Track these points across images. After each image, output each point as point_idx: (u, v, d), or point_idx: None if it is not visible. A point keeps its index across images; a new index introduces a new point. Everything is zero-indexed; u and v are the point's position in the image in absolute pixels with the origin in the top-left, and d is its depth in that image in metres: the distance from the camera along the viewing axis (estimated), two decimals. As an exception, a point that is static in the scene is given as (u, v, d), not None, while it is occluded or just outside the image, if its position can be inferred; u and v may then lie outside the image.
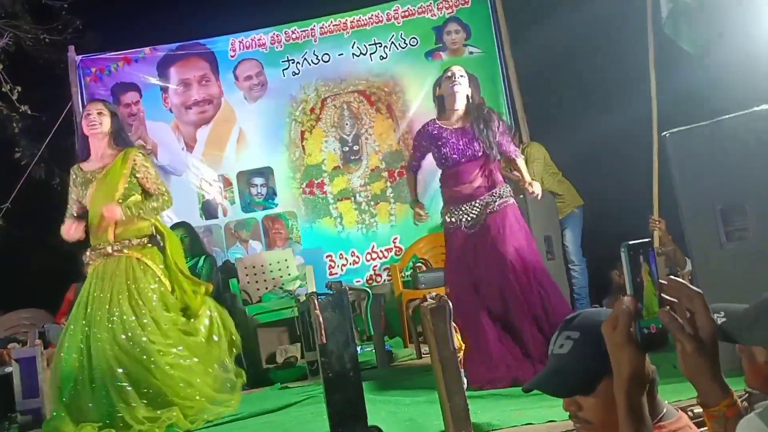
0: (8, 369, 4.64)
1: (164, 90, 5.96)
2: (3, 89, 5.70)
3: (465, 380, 2.48)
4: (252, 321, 4.69)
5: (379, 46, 5.97)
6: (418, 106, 5.86)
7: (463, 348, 3.04)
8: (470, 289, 3.29)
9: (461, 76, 3.46)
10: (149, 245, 3.30)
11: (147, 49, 5.95)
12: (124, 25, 6.77)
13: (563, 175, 5.19)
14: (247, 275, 5.24)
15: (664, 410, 1.22)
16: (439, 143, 3.43)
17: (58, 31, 6.93)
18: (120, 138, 3.38)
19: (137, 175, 3.32)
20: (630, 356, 0.99)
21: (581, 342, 1.26)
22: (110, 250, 3.25)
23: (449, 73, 3.48)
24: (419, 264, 5.14)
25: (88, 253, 3.32)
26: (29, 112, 5.80)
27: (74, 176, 3.38)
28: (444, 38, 5.97)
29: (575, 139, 5.54)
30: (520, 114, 5.68)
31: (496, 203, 3.34)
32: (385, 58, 5.98)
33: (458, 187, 3.41)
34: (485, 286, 3.28)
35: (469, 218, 3.34)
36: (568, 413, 1.30)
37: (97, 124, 3.30)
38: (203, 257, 4.95)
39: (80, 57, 5.87)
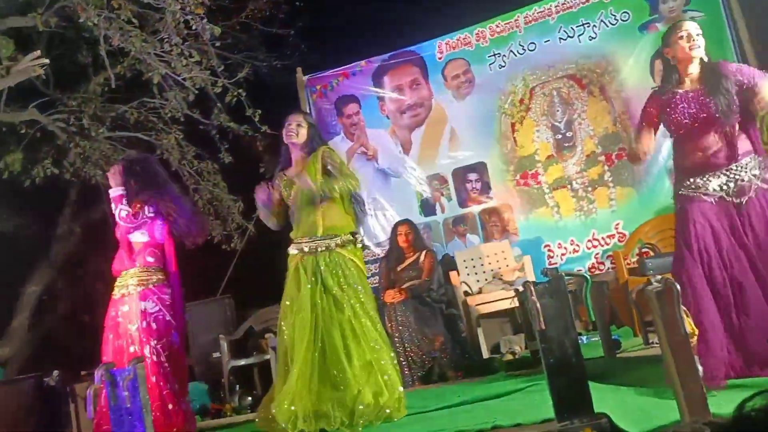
0: (267, 356, 5.36)
1: (380, 98, 6.37)
2: (246, 113, 6.51)
3: (700, 368, 2.32)
4: (473, 311, 4.83)
5: (588, 27, 5.77)
6: (635, 83, 5.55)
7: (696, 334, 2.85)
8: (705, 273, 2.99)
9: (698, 34, 3.02)
10: (351, 243, 3.52)
11: (363, 62, 6.43)
12: (342, 43, 7.35)
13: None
14: (466, 267, 5.40)
15: None
16: (668, 109, 3.06)
17: (287, 57, 7.77)
18: (313, 146, 3.63)
19: (327, 166, 3.54)
20: None
21: None
22: (320, 244, 3.48)
23: (682, 32, 3.03)
24: (646, 249, 4.86)
25: (292, 247, 3.56)
26: (269, 131, 6.55)
27: (279, 180, 3.69)
28: (660, 7, 5.59)
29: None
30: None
31: (746, 178, 2.91)
32: (594, 38, 5.76)
33: (692, 156, 3.02)
34: (721, 272, 2.96)
35: (707, 191, 2.96)
36: None
37: (294, 134, 3.59)
38: (424, 251, 5.21)
39: (307, 77, 6.53)
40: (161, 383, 3.63)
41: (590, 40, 5.77)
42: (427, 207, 6.19)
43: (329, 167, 3.56)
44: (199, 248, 4.07)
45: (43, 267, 8.04)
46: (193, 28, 5.57)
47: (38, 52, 5.23)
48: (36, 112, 6.24)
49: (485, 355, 4.81)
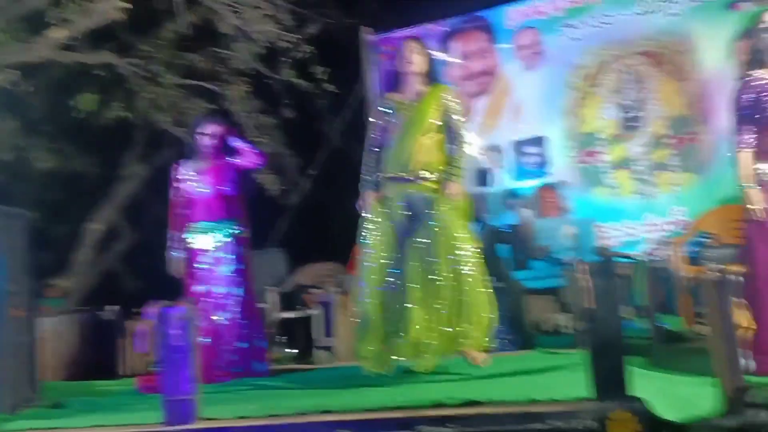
0: (310, 311, 5.46)
1: (446, 63, 6.28)
2: (312, 70, 6.51)
3: (748, 362, 2.27)
4: (519, 286, 4.79)
5: (671, 1, 5.51)
6: (714, 65, 5.30)
7: (753, 328, 2.76)
8: None
9: None
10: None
11: (431, 25, 6.32)
12: (413, 4, 7.24)
13: None
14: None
15: None
16: (761, 99, 2.94)
17: (357, 15, 7.71)
18: (432, 76, 3.48)
19: (451, 116, 3.38)
20: None
21: None
22: (413, 177, 3.33)
23: (764, 23, 2.99)
24: (706, 239, 4.69)
25: (385, 179, 3.39)
26: (334, 89, 6.55)
27: (385, 106, 3.49)
28: (751, -16, 5.27)
29: None
30: None
31: None
32: (676, 14, 5.50)
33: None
34: None
35: None
36: None
37: (411, 63, 3.42)
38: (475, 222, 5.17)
39: (374, 37, 6.47)
40: (245, 320, 4.03)
41: (672, 16, 5.51)
42: (482, 177, 6.11)
43: (450, 115, 3.39)
44: (255, 200, 4.27)
45: (106, 206, 8.37)
46: (265, -21, 5.59)
47: (117, -6, 5.35)
48: (110, 55, 6.42)
49: (527, 330, 4.78)
